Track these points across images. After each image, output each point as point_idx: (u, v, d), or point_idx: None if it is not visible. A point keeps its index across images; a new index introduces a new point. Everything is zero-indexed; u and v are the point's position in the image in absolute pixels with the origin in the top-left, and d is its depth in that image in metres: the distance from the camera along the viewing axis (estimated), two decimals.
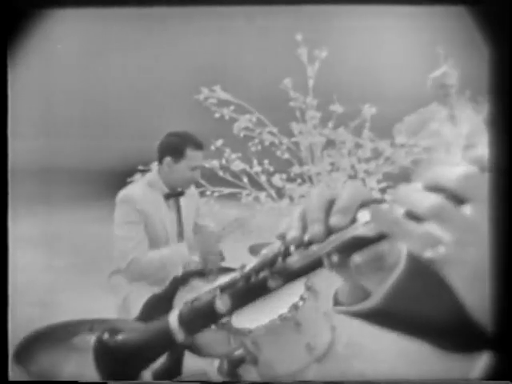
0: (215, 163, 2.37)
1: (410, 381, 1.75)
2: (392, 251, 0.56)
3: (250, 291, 0.53)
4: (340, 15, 2.80)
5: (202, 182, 2.34)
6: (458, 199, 0.46)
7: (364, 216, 0.51)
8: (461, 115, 2.94)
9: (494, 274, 0.47)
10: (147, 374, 0.58)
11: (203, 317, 0.54)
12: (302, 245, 0.52)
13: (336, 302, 0.62)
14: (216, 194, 2.36)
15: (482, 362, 0.52)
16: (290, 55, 2.38)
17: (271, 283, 0.52)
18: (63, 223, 3.45)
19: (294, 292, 1.78)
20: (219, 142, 2.37)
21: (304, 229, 0.53)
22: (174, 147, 2.20)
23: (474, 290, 0.47)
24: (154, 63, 3.63)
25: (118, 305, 2.19)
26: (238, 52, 3.41)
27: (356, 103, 2.42)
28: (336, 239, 0.51)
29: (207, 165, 2.32)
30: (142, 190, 2.20)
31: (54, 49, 3.10)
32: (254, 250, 2.19)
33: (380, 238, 0.51)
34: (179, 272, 2.21)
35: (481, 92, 2.85)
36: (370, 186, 2.43)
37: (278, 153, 2.40)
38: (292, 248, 0.52)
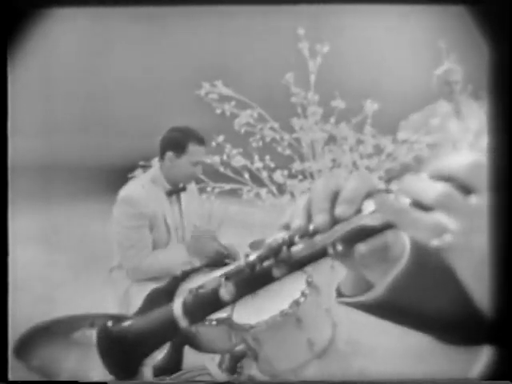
0: (216, 159, 2.36)
1: (411, 379, 1.75)
2: (396, 243, 0.56)
3: (254, 280, 0.53)
4: (342, 13, 2.80)
5: (203, 177, 2.33)
6: (465, 188, 0.46)
7: (369, 206, 0.51)
8: (467, 111, 2.93)
9: (498, 261, 0.47)
10: (148, 371, 0.58)
11: (207, 305, 0.54)
12: (307, 234, 0.52)
13: (339, 294, 0.62)
14: (217, 190, 2.35)
15: (481, 361, 0.52)
16: (292, 50, 2.37)
17: (276, 272, 0.52)
18: (63, 219, 3.45)
19: (295, 288, 1.78)
20: (220, 138, 2.36)
21: (309, 218, 0.53)
22: (176, 142, 2.22)
23: (480, 279, 0.47)
24: (154, 59, 3.62)
25: (119, 298, 2.21)
26: (240, 47, 3.40)
27: (358, 99, 2.41)
28: (341, 229, 0.51)
29: (208, 160, 2.31)
30: (145, 188, 2.21)
31: (54, 47, 3.10)
32: (254, 247, 2.18)
33: (385, 227, 0.51)
34: (179, 272, 2.22)
35: (481, 91, 2.86)
36: None
37: (280, 149, 2.39)
38: (297, 237, 0.52)
